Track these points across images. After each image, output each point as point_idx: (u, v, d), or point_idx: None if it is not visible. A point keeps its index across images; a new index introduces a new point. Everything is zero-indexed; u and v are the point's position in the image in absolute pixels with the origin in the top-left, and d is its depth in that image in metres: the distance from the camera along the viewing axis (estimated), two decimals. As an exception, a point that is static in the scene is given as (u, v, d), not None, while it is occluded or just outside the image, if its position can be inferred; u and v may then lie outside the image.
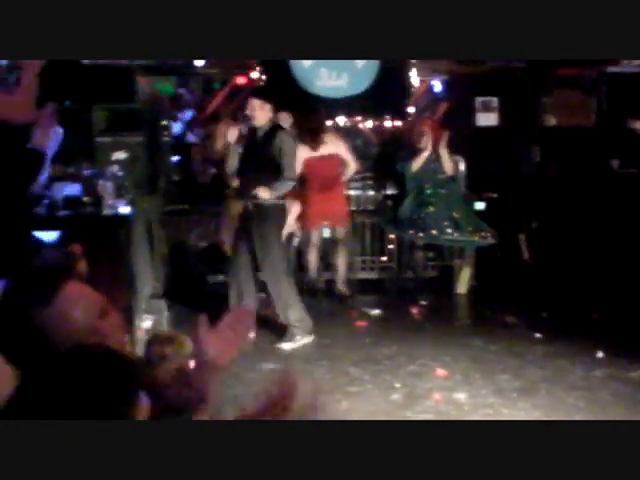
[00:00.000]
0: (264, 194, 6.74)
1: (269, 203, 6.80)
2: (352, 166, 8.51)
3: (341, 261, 8.56)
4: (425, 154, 8.56)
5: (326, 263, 8.82)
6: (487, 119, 10.20)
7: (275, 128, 6.88)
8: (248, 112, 6.84)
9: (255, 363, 6.34)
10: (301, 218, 8.51)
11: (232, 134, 6.94)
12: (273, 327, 7.49)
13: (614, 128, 9.50)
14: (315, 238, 8.56)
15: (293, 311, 6.96)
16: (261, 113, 6.81)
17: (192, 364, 2.92)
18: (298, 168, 8.11)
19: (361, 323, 7.74)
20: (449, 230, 8.41)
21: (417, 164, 8.58)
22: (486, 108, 10.23)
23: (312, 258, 8.61)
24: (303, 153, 8.20)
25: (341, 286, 8.56)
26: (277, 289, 6.93)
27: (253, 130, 6.92)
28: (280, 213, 6.94)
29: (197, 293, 8.50)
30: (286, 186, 6.86)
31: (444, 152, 8.56)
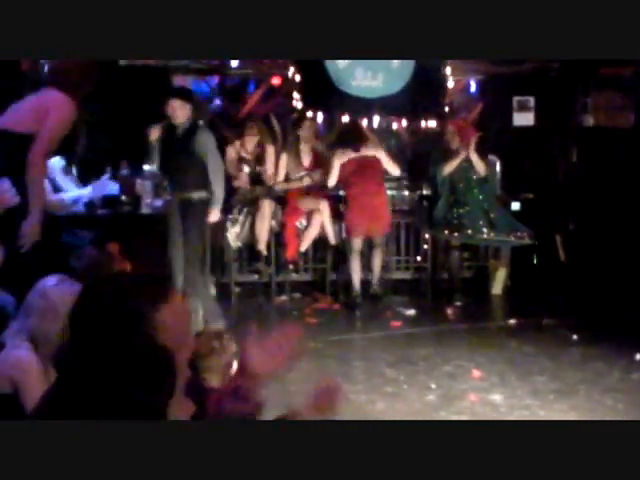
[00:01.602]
0: (214, 217, 7.09)
1: (194, 199, 6.97)
2: (394, 173, 8.57)
3: (377, 263, 8.51)
4: (457, 159, 8.52)
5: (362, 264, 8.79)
6: (523, 119, 10.13)
7: (195, 126, 7.07)
8: (169, 112, 7.01)
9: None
10: (342, 222, 8.57)
11: (154, 133, 7.08)
12: (307, 326, 7.52)
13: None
14: (357, 246, 8.43)
15: (205, 308, 6.97)
16: (181, 112, 7.00)
17: (234, 371, 2.94)
18: (335, 174, 8.22)
19: (396, 323, 7.73)
20: (484, 230, 8.38)
21: (449, 168, 8.55)
22: (522, 108, 10.17)
23: (356, 267, 8.42)
24: (344, 157, 8.27)
25: (376, 287, 8.53)
26: (193, 284, 6.97)
27: (171, 128, 7.07)
28: (203, 208, 7.04)
29: (231, 293, 8.57)
30: (221, 191, 7.06)
31: (474, 155, 8.51)
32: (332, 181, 8.46)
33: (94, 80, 5.45)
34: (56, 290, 3.35)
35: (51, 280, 3.41)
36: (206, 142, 7.01)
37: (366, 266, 8.63)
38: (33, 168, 4.94)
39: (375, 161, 8.34)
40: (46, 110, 4.98)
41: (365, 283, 8.60)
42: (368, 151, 8.31)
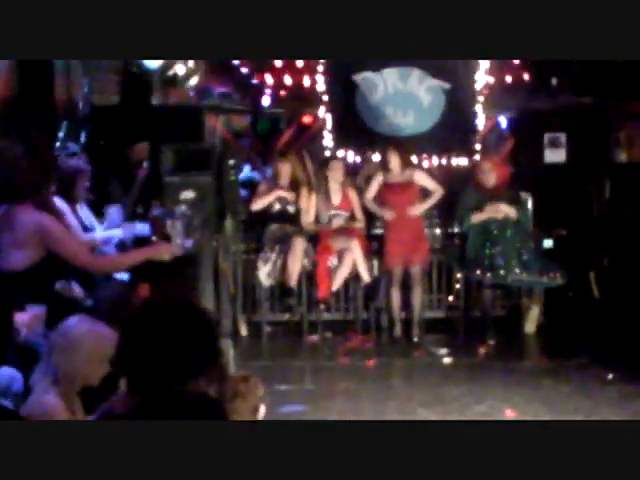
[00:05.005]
0: None
1: None
2: (438, 193, 8.67)
3: (417, 301, 8.57)
4: (486, 214, 8.46)
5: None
6: (555, 155, 10.08)
7: None
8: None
9: (324, 402, 6.35)
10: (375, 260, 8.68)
11: None
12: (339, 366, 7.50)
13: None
14: (398, 276, 8.54)
15: None
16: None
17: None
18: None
19: (429, 363, 7.68)
20: (517, 270, 8.30)
21: (476, 218, 8.50)
22: (554, 144, 10.12)
23: (395, 297, 8.58)
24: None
25: (417, 330, 8.52)
26: None
27: None
28: None
29: (262, 332, 8.55)
30: None
31: (505, 207, 8.47)
32: (370, 194, 8.71)
33: None
34: (76, 327, 3.38)
35: (72, 319, 3.44)
36: None
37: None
38: (93, 266, 4.82)
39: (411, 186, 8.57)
40: (42, 231, 4.54)
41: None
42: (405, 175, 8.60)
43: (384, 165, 8.70)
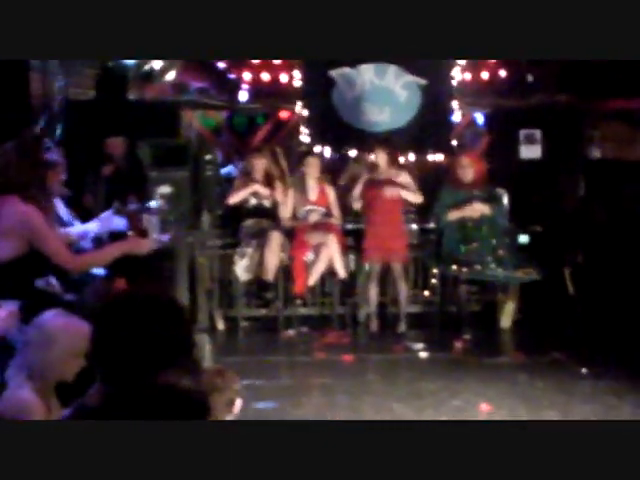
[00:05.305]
0: None
1: None
2: (417, 198, 8.68)
3: (402, 295, 8.65)
4: (464, 212, 8.50)
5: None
6: (530, 152, 10.14)
7: None
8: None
9: (301, 397, 6.36)
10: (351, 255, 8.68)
11: None
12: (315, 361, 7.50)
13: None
14: (376, 271, 8.58)
15: None
16: None
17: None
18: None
19: (404, 357, 7.70)
20: (492, 266, 8.34)
21: (453, 216, 8.54)
22: (529, 141, 10.18)
23: (373, 292, 8.62)
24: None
25: (403, 323, 8.59)
26: None
27: None
28: None
29: (239, 327, 8.56)
30: None
31: (480, 206, 8.52)
32: (356, 192, 8.68)
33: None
34: (51, 322, 3.37)
35: (48, 314, 3.43)
36: None
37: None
38: (73, 265, 4.78)
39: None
40: (27, 223, 4.46)
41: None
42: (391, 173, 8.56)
43: (370, 163, 8.72)
